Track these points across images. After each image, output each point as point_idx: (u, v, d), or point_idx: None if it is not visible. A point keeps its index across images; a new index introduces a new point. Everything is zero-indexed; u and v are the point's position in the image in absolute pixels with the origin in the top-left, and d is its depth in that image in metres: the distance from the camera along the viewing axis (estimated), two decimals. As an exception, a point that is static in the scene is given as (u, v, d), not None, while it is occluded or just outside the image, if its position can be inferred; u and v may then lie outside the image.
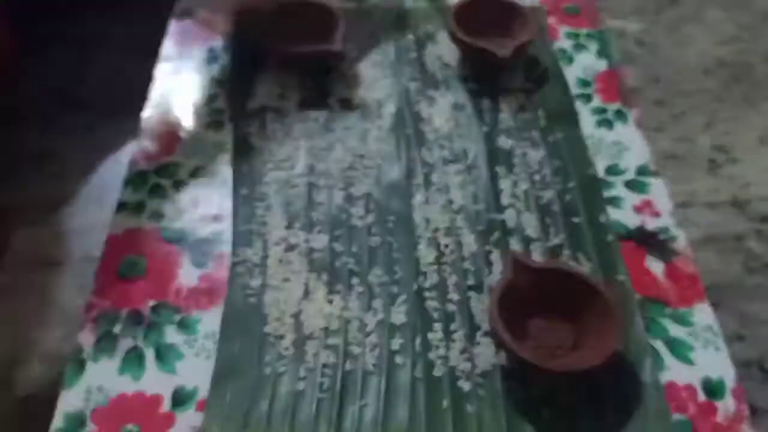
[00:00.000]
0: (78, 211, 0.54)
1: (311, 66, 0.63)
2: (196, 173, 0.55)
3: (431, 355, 0.45)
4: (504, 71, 0.63)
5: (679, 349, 0.45)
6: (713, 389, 0.43)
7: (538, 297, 0.45)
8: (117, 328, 0.46)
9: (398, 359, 0.45)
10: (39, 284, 0.50)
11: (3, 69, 0.56)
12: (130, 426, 0.42)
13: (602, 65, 0.64)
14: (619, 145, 0.57)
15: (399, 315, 0.47)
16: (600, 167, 0.56)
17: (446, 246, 0.50)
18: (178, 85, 0.61)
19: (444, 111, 0.60)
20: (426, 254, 0.50)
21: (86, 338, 0.45)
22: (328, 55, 0.61)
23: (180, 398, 0.43)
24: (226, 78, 0.62)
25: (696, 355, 0.45)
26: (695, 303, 0.47)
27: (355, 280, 0.48)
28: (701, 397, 0.43)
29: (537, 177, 0.55)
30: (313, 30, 0.63)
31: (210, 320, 0.46)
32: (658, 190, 0.54)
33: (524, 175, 0.55)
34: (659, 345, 0.45)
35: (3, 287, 0.49)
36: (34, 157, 0.57)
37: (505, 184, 0.54)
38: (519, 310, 0.45)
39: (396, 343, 0.46)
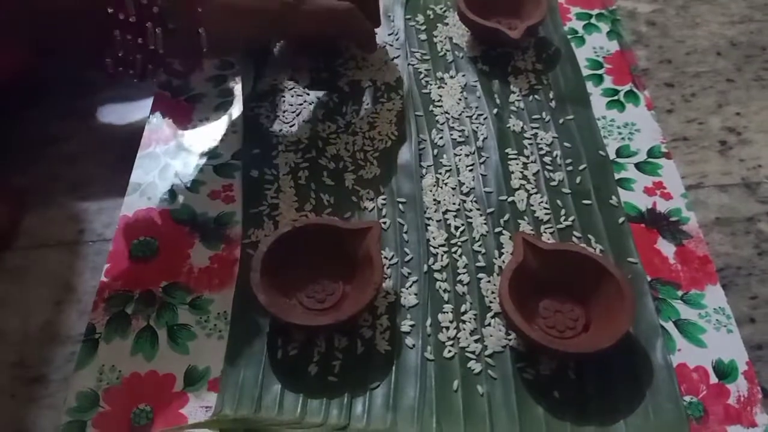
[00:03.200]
0: (90, 193, 0.54)
1: (322, 47, 0.62)
2: (206, 155, 0.55)
3: (441, 337, 0.45)
4: (515, 52, 0.63)
5: (690, 331, 0.45)
6: (725, 371, 0.43)
7: (548, 279, 0.45)
8: (129, 309, 0.46)
9: (408, 341, 0.45)
10: (51, 265, 0.50)
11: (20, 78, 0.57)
12: (142, 405, 0.42)
13: (613, 46, 0.64)
14: (630, 126, 0.57)
15: (410, 297, 0.47)
16: (611, 149, 0.55)
17: (456, 228, 0.50)
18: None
19: (454, 92, 0.59)
20: (436, 236, 0.50)
21: (99, 318, 0.46)
22: None
23: (192, 378, 0.43)
24: (237, 59, 0.62)
25: (707, 337, 0.45)
26: (706, 285, 0.47)
27: (365, 262, 0.48)
28: (713, 379, 0.43)
29: (548, 159, 0.55)
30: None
31: (221, 301, 0.47)
32: (670, 172, 0.54)
33: (535, 157, 0.55)
34: (670, 327, 0.45)
35: (16, 268, 0.50)
36: (47, 139, 0.57)
37: (515, 166, 0.54)
38: (529, 291, 0.45)
39: (406, 325, 0.46)
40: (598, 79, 0.61)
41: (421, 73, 0.61)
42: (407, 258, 0.49)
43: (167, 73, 0.55)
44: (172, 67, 0.50)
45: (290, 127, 0.57)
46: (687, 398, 0.42)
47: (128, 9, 0.43)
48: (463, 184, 0.53)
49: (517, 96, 0.59)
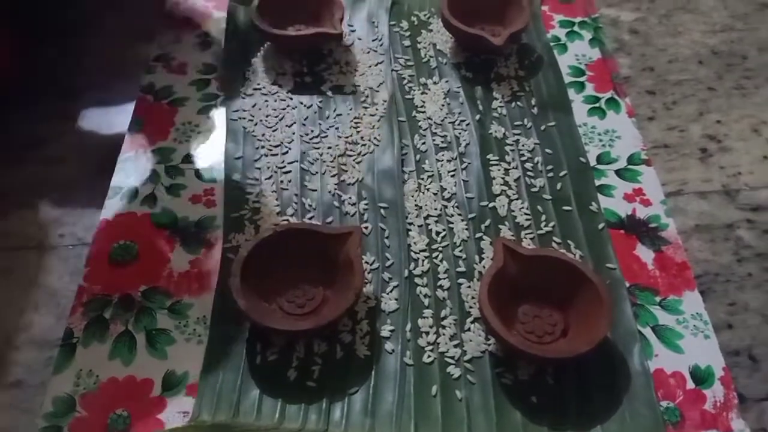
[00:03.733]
0: (71, 196, 0.53)
1: (307, 50, 0.62)
2: (188, 159, 0.55)
3: (421, 342, 0.45)
4: (498, 59, 0.63)
5: (667, 337, 0.45)
6: (702, 377, 0.43)
7: (528, 284, 0.45)
8: (108, 313, 0.46)
9: (388, 346, 0.45)
10: (30, 268, 0.49)
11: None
12: (120, 410, 0.42)
13: (596, 54, 0.64)
14: (611, 133, 0.57)
15: (390, 302, 0.47)
16: (592, 155, 0.56)
17: (438, 233, 0.51)
18: (172, 70, 0.61)
19: (437, 98, 0.60)
20: (417, 241, 0.50)
21: (77, 323, 0.45)
22: (328, 37, 0.60)
23: (170, 383, 0.43)
24: (220, 63, 0.62)
25: (685, 343, 0.45)
26: (685, 291, 0.48)
27: (346, 267, 0.48)
28: (690, 384, 0.43)
29: (529, 165, 0.55)
30: (309, 14, 0.62)
31: (201, 306, 0.46)
32: (649, 179, 0.54)
33: (516, 163, 0.55)
34: (648, 332, 0.45)
35: (-6, 271, 0.49)
36: (28, 142, 0.57)
37: (496, 172, 0.54)
38: (509, 296, 0.45)
39: (386, 330, 0.46)
40: (580, 86, 0.61)
41: (404, 78, 0.61)
42: (388, 263, 0.49)
43: None
44: None
45: (273, 131, 0.57)
46: (664, 403, 0.42)
47: None
48: (445, 189, 0.53)
49: (500, 102, 0.59)
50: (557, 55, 0.64)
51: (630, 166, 0.55)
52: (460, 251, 0.50)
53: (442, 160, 0.55)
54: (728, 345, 0.46)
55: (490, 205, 0.52)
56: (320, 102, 0.59)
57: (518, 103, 0.59)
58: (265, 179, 0.53)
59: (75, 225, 0.52)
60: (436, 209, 0.52)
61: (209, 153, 0.55)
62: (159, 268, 0.48)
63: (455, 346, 0.45)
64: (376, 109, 0.58)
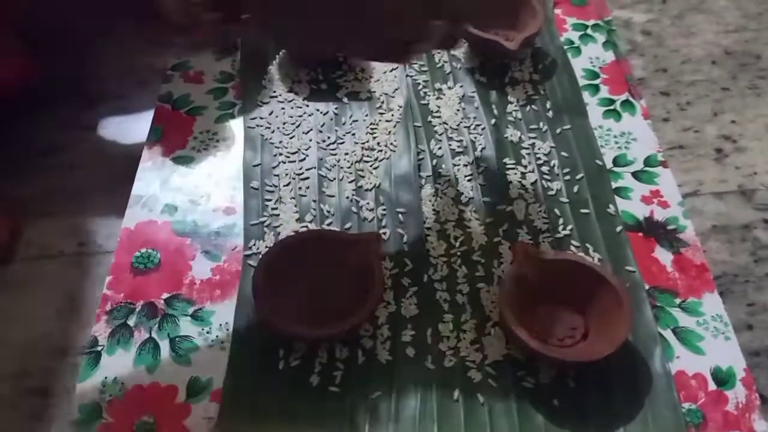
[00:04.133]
0: (91, 204, 0.54)
1: (322, 58, 0.63)
2: (207, 167, 0.55)
3: (442, 346, 0.45)
4: (512, 63, 0.63)
5: (688, 339, 0.45)
6: (723, 378, 0.44)
7: (547, 288, 0.46)
8: (132, 320, 0.46)
9: (409, 350, 0.45)
10: (53, 276, 0.50)
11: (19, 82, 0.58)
12: (145, 417, 0.42)
13: (609, 56, 0.64)
14: (626, 135, 0.57)
15: (410, 307, 0.47)
16: (608, 158, 0.56)
17: (456, 238, 0.51)
18: (189, 79, 0.62)
19: (452, 103, 0.60)
20: (436, 246, 0.50)
21: (101, 331, 0.46)
22: None
23: (195, 389, 0.43)
24: (237, 71, 0.62)
25: (705, 345, 0.45)
26: (704, 293, 0.48)
27: (366, 272, 0.49)
28: (711, 386, 0.43)
29: (545, 168, 0.55)
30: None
31: (223, 312, 0.47)
32: (666, 181, 0.54)
33: (532, 167, 0.55)
34: (668, 334, 0.46)
35: (18, 279, 0.50)
36: (47, 150, 0.57)
37: (513, 176, 0.55)
38: (528, 300, 0.45)
39: (407, 335, 0.46)
40: (595, 89, 0.61)
41: (419, 84, 0.62)
42: (407, 268, 0.49)
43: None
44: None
45: (290, 138, 0.57)
46: (686, 405, 0.43)
47: None
48: (462, 194, 0.53)
49: (515, 106, 0.60)
50: (571, 58, 0.64)
51: (647, 168, 0.55)
52: (479, 256, 0.50)
53: (459, 165, 0.55)
54: (749, 346, 0.46)
55: (508, 209, 0.52)
56: (336, 109, 0.59)
57: (533, 106, 0.60)
58: (284, 186, 0.54)
59: (95, 233, 0.53)
60: (453, 214, 0.52)
61: (228, 161, 0.56)
62: (181, 275, 0.49)
63: (476, 350, 0.45)
64: (392, 115, 0.59)
